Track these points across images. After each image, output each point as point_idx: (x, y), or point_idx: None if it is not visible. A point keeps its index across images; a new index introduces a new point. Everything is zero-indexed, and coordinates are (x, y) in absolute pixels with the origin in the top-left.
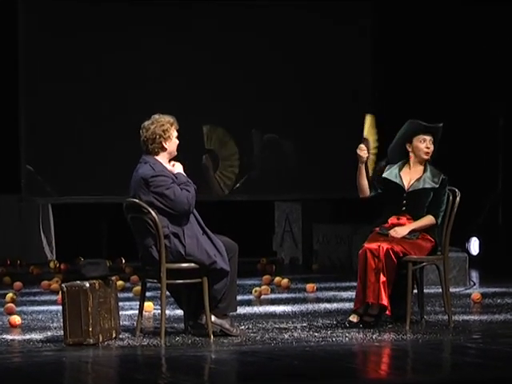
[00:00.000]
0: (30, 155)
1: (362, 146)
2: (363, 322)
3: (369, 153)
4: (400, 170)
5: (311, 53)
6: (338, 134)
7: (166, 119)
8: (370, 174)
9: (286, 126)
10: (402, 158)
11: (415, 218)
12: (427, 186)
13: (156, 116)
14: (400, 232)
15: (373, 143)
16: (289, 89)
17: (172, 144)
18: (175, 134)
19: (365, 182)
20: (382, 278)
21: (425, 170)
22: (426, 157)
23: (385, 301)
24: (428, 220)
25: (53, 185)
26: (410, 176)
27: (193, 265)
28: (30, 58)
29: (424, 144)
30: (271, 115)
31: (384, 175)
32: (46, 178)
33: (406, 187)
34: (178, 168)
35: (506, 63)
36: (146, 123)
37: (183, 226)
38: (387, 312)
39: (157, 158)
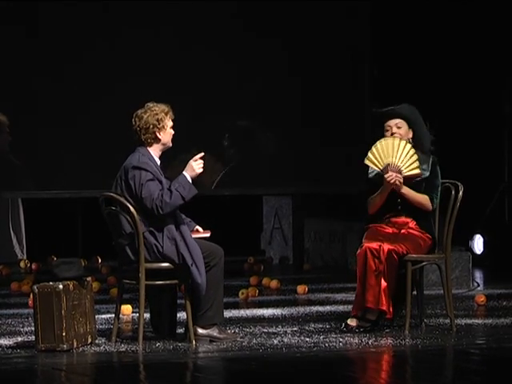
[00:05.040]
0: None
1: (389, 174)
2: (359, 327)
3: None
4: None
5: (306, 41)
6: (334, 124)
7: (161, 108)
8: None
9: (276, 114)
10: None
11: (413, 216)
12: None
13: (150, 104)
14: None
15: (402, 162)
16: (282, 78)
17: (166, 135)
18: (170, 123)
19: (381, 202)
20: (383, 282)
21: None
22: None
23: (385, 306)
24: (423, 198)
25: (23, 178)
26: None
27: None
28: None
29: (389, 132)
30: (264, 104)
31: (370, 176)
32: (16, 170)
33: None
34: (189, 168)
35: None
36: (139, 111)
37: (163, 226)
38: (388, 316)
39: (149, 149)
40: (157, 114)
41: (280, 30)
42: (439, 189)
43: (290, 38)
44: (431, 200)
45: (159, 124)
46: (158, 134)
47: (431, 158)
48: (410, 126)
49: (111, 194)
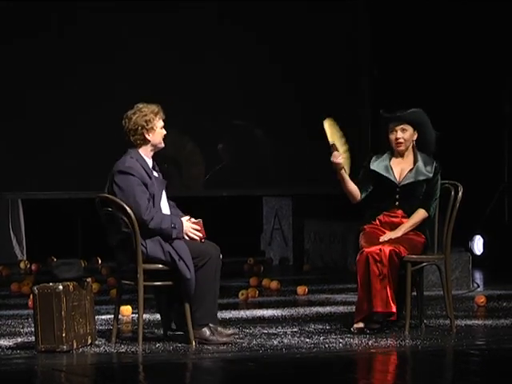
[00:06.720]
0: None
1: (336, 153)
2: (369, 329)
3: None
4: (390, 160)
5: (305, 41)
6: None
7: (150, 109)
8: (348, 172)
9: (276, 114)
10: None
11: (408, 212)
12: (421, 177)
13: (140, 105)
14: (393, 237)
15: (341, 147)
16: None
17: (156, 135)
18: (160, 124)
19: (353, 187)
20: (389, 285)
21: (415, 160)
22: (398, 148)
23: (393, 308)
24: (420, 215)
25: (24, 179)
26: (401, 166)
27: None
28: None
29: (394, 135)
30: (261, 106)
31: (372, 167)
32: (17, 171)
33: (397, 180)
34: (184, 228)
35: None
36: (129, 113)
37: (145, 228)
38: (392, 318)
39: (139, 150)
40: (146, 115)
41: (280, 30)
42: (437, 197)
43: (289, 37)
44: (428, 209)
45: (148, 125)
46: (146, 135)
47: (434, 162)
48: (415, 129)
49: (107, 196)
